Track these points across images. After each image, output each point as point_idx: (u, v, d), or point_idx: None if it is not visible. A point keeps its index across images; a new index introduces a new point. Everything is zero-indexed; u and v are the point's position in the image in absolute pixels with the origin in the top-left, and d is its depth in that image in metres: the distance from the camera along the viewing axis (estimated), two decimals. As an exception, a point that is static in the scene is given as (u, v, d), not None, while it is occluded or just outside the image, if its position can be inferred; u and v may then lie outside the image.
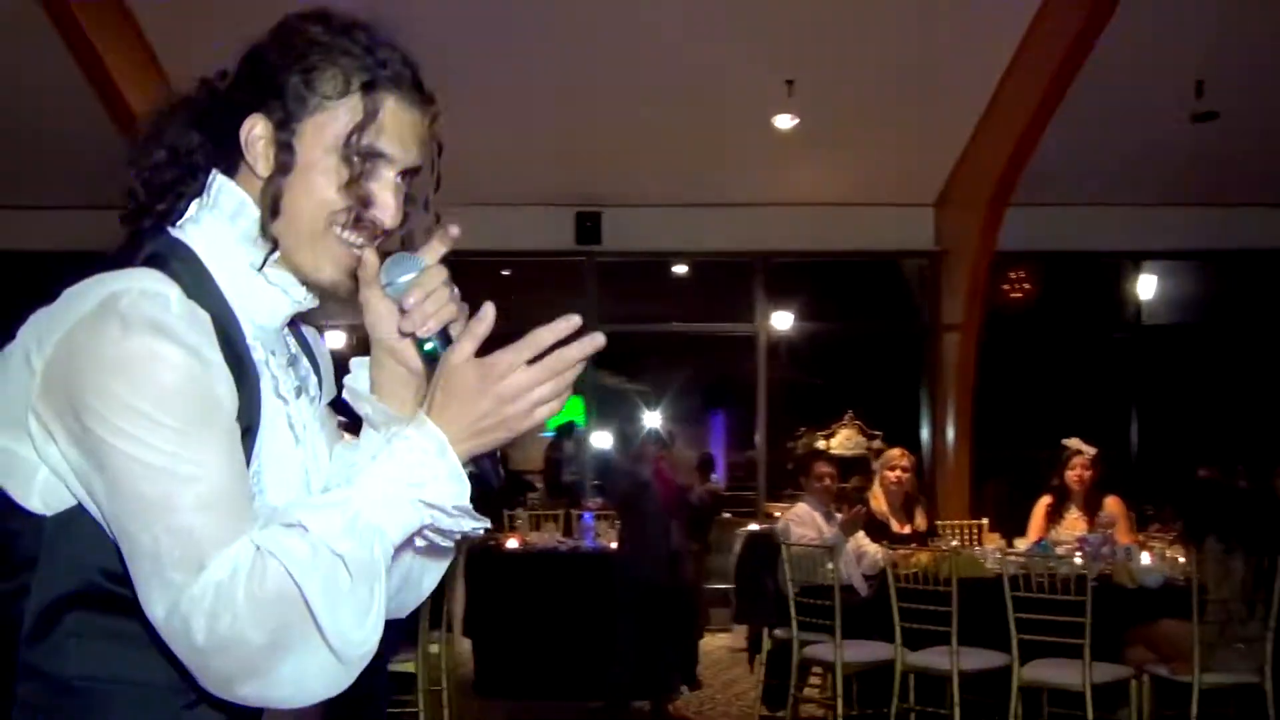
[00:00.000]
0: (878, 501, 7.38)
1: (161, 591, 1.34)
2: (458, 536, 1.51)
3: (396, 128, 1.55)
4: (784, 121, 9.30)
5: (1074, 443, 7.52)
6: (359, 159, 1.52)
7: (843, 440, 10.08)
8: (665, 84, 9.02)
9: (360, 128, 1.52)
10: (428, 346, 1.54)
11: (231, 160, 1.57)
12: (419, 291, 1.52)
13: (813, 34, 8.65)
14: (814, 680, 7.21)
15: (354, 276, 1.58)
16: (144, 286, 1.40)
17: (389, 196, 1.56)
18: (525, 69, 8.86)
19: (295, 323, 1.71)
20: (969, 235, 10.04)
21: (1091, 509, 7.37)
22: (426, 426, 1.45)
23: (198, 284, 1.49)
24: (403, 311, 1.54)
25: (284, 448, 1.58)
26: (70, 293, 1.43)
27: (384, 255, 1.58)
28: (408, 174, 1.58)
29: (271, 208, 1.52)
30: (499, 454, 1.54)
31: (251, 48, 1.58)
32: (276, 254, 1.54)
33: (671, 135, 9.53)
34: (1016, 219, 9.85)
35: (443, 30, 7.77)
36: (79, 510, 1.42)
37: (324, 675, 1.38)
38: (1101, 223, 10.59)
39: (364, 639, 1.38)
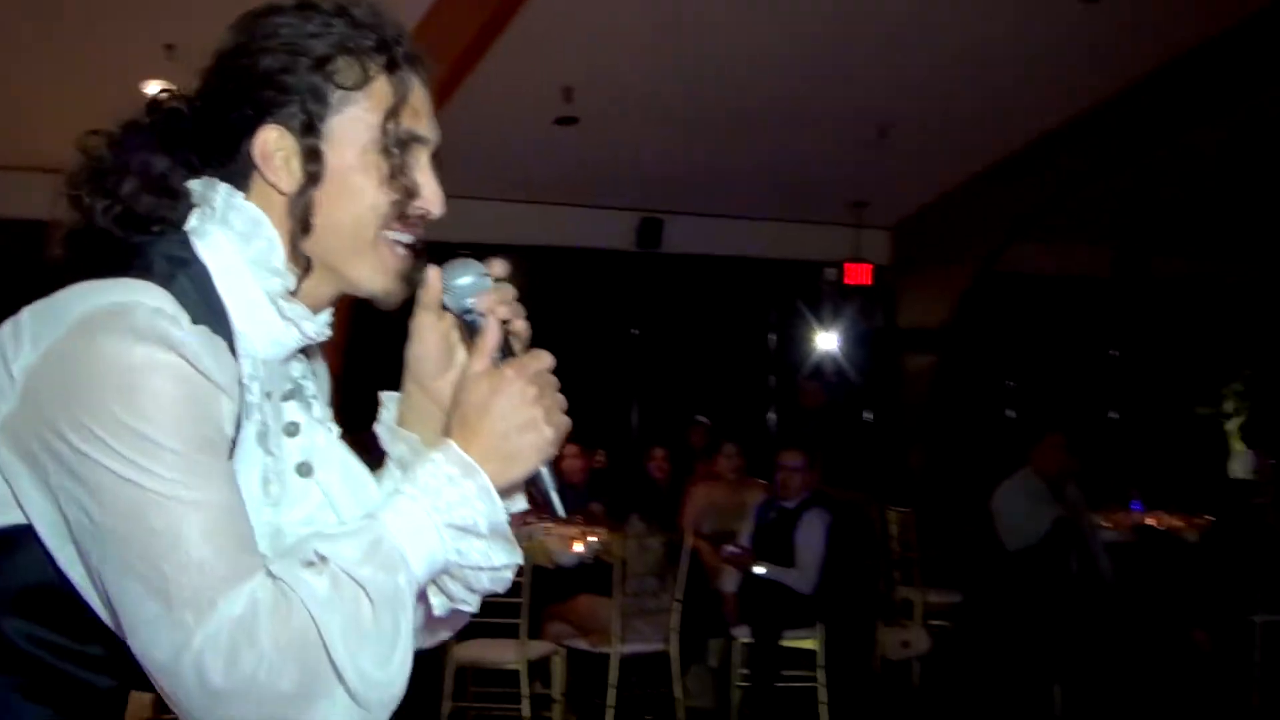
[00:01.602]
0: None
1: (170, 633, 1.16)
2: (485, 583, 1.36)
3: (423, 106, 1.42)
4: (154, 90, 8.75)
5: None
6: (398, 148, 1.39)
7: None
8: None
9: (394, 113, 1.38)
10: (516, 348, 1.43)
11: (230, 180, 1.39)
12: (491, 296, 1.42)
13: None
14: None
15: (404, 279, 1.44)
16: (157, 304, 1.23)
17: (432, 181, 1.43)
18: None
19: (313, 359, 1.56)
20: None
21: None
22: (450, 448, 1.33)
23: (206, 307, 1.31)
24: (466, 320, 1.44)
25: (251, 507, 1.34)
26: (68, 294, 1.25)
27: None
28: (434, 156, 1.45)
29: (303, 222, 1.36)
30: (558, 483, 1.43)
31: (226, 54, 1.39)
32: (292, 282, 1.38)
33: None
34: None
35: None
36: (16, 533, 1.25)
37: None
38: (472, 216, 10.96)
39: (389, 680, 1.25)
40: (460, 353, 1.48)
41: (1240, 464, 7.60)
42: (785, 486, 6.81)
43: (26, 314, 1.25)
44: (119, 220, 1.36)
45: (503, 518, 1.34)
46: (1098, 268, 13.50)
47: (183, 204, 1.39)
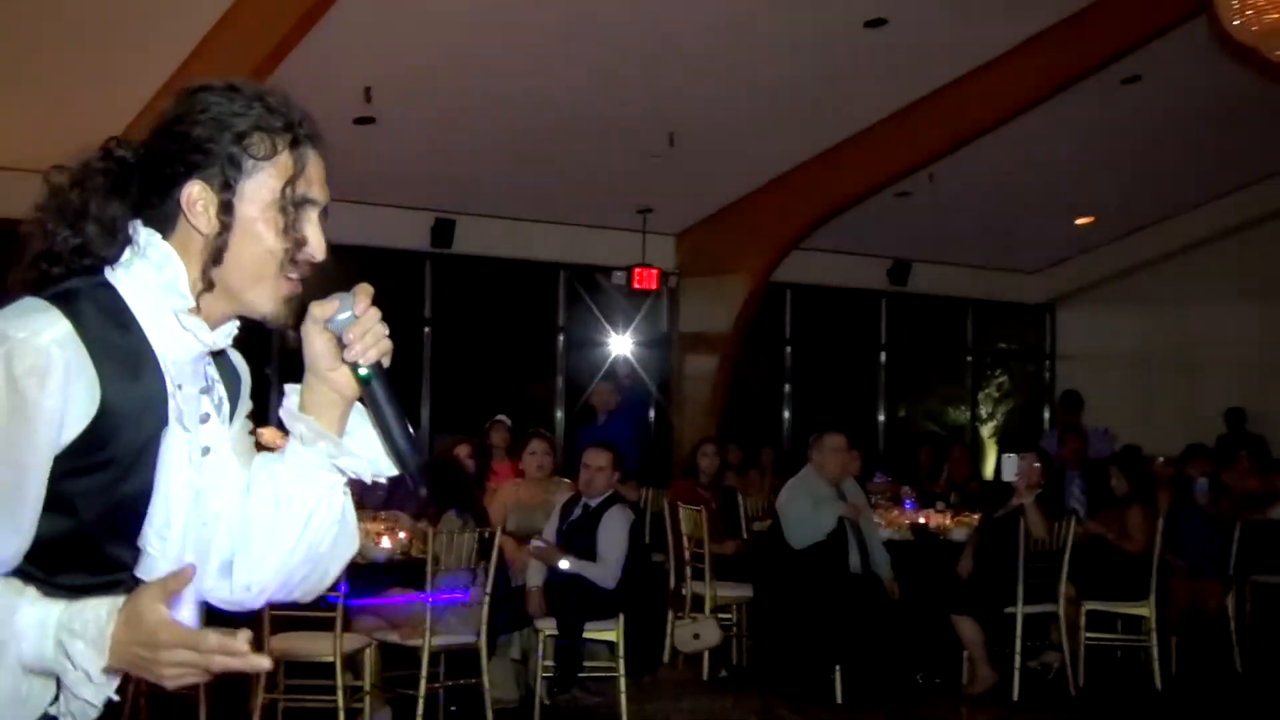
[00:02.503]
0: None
1: None
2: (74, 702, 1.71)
3: (317, 175, 1.82)
4: None
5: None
6: (293, 208, 1.78)
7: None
8: None
9: (292, 181, 1.78)
10: (362, 372, 1.79)
11: (162, 218, 1.78)
12: (359, 328, 1.77)
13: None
14: None
15: (290, 307, 1.82)
16: (32, 339, 1.63)
17: (318, 235, 1.82)
18: None
19: (228, 361, 1.95)
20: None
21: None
22: (104, 635, 1.62)
23: (112, 323, 1.72)
24: (342, 344, 1.78)
25: (177, 470, 1.78)
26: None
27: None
28: (323, 211, 1.85)
29: (215, 257, 1.76)
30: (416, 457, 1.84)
31: (168, 123, 1.78)
32: (193, 302, 1.77)
33: None
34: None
35: None
36: None
37: None
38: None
39: None
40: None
41: (1005, 466, 8.17)
42: (590, 485, 7.07)
43: None
44: (75, 250, 1.76)
45: (85, 694, 1.65)
46: (873, 279, 14.24)
47: (121, 242, 1.78)
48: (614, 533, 6.93)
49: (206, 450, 1.83)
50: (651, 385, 12.97)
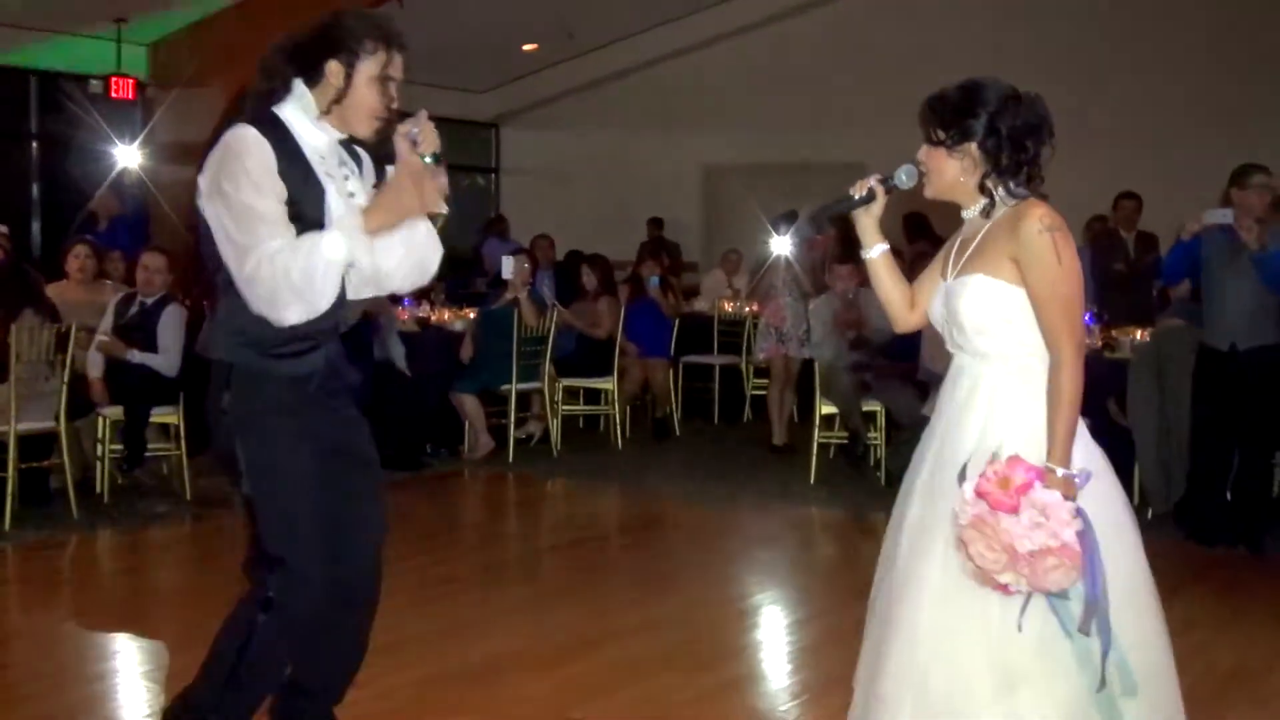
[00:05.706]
0: None
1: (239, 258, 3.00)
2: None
3: (399, 62, 3.17)
4: None
5: None
6: (385, 80, 3.14)
7: None
8: None
9: (386, 65, 3.14)
10: (427, 159, 3.13)
11: (315, 78, 3.13)
12: (423, 135, 3.14)
13: None
14: None
15: (379, 132, 3.20)
16: (245, 133, 3.02)
17: (395, 95, 3.18)
18: None
19: (355, 151, 3.33)
20: None
21: None
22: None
23: (276, 133, 3.07)
24: (414, 143, 3.13)
25: (337, 210, 3.13)
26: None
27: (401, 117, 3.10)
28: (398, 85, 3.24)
29: (338, 99, 3.13)
30: None
31: (321, 29, 3.11)
32: (318, 113, 3.15)
33: None
34: None
35: None
36: None
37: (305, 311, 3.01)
38: None
39: (320, 300, 3.04)
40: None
41: (504, 265, 9.43)
42: (149, 284, 7.67)
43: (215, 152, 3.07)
44: (268, 90, 3.14)
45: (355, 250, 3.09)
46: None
47: (286, 85, 3.13)
48: (173, 327, 7.62)
49: (352, 195, 3.19)
50: (158, 194, 13.03)
